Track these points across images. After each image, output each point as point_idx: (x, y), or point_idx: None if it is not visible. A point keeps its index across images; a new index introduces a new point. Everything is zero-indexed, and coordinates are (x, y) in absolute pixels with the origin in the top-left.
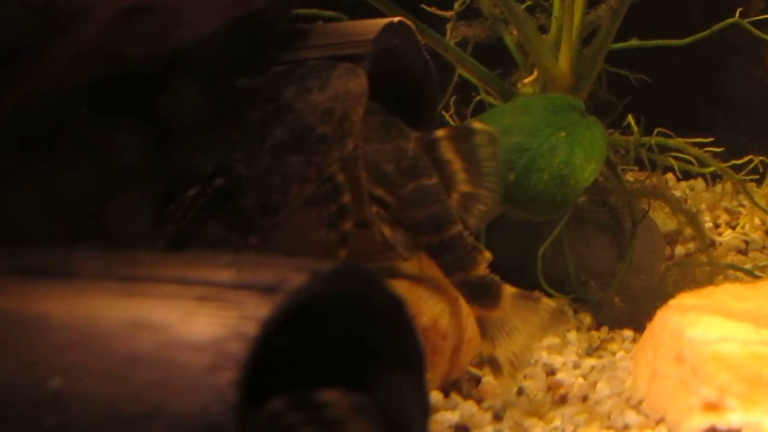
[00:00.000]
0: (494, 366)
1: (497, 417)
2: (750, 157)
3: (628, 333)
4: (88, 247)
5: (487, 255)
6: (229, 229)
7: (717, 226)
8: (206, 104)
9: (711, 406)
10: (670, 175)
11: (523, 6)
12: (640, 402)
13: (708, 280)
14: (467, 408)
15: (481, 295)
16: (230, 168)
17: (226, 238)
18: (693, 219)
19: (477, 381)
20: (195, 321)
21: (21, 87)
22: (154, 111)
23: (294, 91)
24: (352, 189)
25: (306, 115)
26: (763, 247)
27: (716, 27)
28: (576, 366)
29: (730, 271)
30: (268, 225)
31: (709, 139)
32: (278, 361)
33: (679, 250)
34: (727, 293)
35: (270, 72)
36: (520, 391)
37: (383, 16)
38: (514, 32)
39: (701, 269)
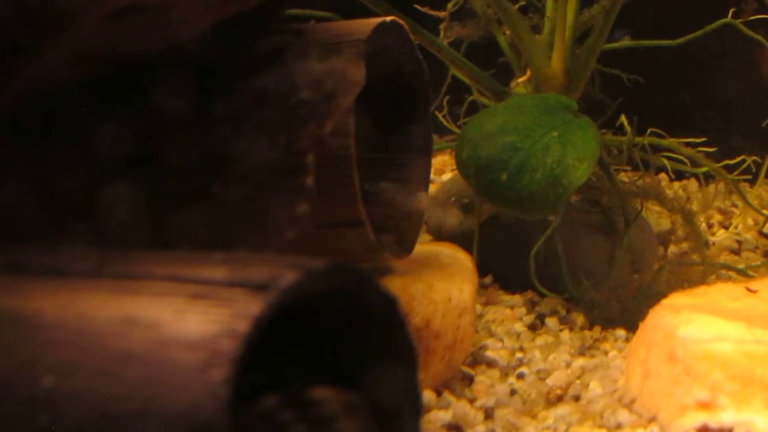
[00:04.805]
0: None
1: (489, 416)
2: (743, 157)
3: (620, 332)
4: (81, 245)
5: None
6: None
7: (710, 226)
8: (197, 101)
9: (703, 405)
10: (662, 176)
11: (516, 6)
12: (633, 401)
13: (701, 280)
14: (460, 407)
15: None
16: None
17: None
18: (690, 218)
19: (470, 380)
20: (187, 318)
21: (14, 85)
22: (147, 108)
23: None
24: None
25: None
26: (756, 247)
27: (709, 27)
28: (568, 365)
29: (723, 271)
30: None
31: (702, 139)
32: (271, 358)
33: (672, 249)
34: (720, 292)
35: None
36: (513, 391)
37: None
38: (508, 32)
39: (694, 269)
